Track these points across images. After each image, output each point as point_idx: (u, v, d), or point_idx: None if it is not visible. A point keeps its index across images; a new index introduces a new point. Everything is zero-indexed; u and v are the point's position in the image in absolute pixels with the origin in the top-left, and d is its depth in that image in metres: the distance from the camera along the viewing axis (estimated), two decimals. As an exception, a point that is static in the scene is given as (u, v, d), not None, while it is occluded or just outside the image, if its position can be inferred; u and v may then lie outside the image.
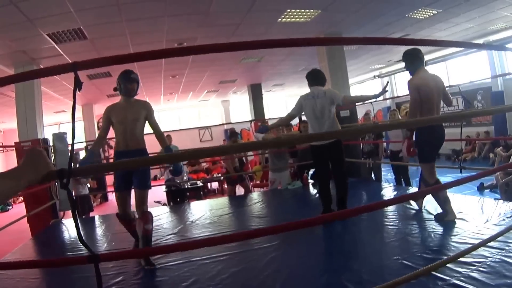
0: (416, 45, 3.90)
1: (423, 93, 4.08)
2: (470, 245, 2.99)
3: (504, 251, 2.99)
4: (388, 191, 6.29)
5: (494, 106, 11.05)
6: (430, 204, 4.60)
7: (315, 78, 4.86)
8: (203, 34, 7.79)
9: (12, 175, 1.19)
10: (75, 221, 1.74)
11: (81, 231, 1.77)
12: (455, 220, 4.03)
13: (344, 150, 4.90)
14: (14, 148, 7.55)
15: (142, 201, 3.90)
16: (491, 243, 3.08)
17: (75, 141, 1.66)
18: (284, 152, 7.57)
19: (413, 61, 4.28)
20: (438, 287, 2.55)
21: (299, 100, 4.86)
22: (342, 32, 8.77)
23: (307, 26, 8.15)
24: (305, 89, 4.98)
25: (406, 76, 4.33)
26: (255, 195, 7.54)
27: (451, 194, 5.09)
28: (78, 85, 1.61)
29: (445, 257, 2.71)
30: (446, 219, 4.07)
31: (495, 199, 5.92)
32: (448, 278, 2.65)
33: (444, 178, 7.23)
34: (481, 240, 2.76)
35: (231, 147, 5.10)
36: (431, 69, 13.56)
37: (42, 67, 8.12)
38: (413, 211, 4.65)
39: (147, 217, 3.80)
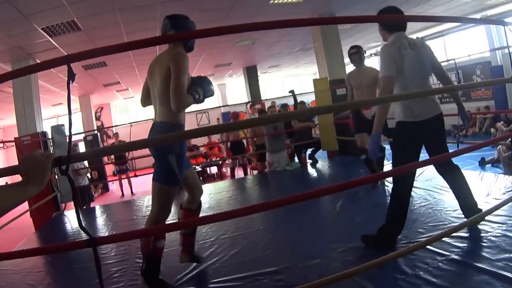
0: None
1: None
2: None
3: (505, 225, 2.99)
4: (387, 168, 6.25)
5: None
6: (430, 181, 4.63)
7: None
8: (195, 19, 7.57)
9: (19, 184, 1.21)
10: (76, 207, 1.78)
11: (81, 218, 1.80)
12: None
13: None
14: (14, 144, 7.54)
15: None
16: (492, 218, 3.09)
17: (73, 133, 1.69)
18: (281, 132, 7.56)
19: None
20: (437, 262, 2.56)
21: (386, 52, 2.97)
22: (335, 11, 8.66)
23: (299, 7, 8.06)
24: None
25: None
26: (254, 178, 7.56)
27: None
28: (71, 77, 1.66)
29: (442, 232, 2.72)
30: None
31: (497, 173, 5.93)
32: (447, 253, 2.66)
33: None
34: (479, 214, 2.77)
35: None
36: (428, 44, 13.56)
37: (38, 61, 8.12)
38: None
39: None
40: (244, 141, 9.78)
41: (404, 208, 3.06)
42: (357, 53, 5.17)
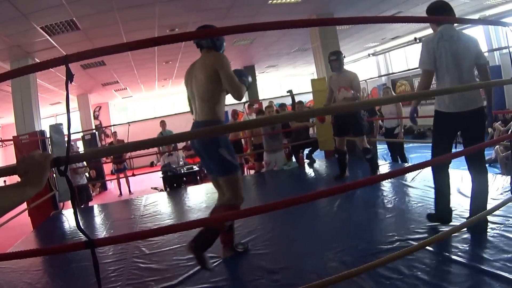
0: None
1: None
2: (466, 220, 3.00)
3: (503, 225, 3.00)
4: (384, 168, 6.29)
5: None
6: (428, 182, 4.63)
7: (441, 12, 3.09)
8: (194, 19, 7.72)
9: (18, 184, 1.21)
10: (74, 208, 1.78)
11: (79, 219, 1.79)
12: (453, 195, 4.06)
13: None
14: (12, 142, 7.53)
15: None
16: (491, 218, 3.09)
17: (71, 131, 1.68)
18: (278, 132, 7.56)
19: None
20: (436, 263, 2.57)
21: (425, 45, 3.13)
22: (333, 11, 8.64)
23: (298, 7, 8.06)
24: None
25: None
26: (252, 178, 7.57)
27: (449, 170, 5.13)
28: (69, 77, 1.65)
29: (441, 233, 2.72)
30: None
31: (494, 173, 5.94)
32: (445, 253, 2.67)
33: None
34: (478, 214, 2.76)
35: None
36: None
37: (37, 60, 8.11)
38: (409, 187, 4.67)
39: None
40: (242, 140, 9.77)
41: (445, 194, 3.21)
42: (337, 60, 5.56)
